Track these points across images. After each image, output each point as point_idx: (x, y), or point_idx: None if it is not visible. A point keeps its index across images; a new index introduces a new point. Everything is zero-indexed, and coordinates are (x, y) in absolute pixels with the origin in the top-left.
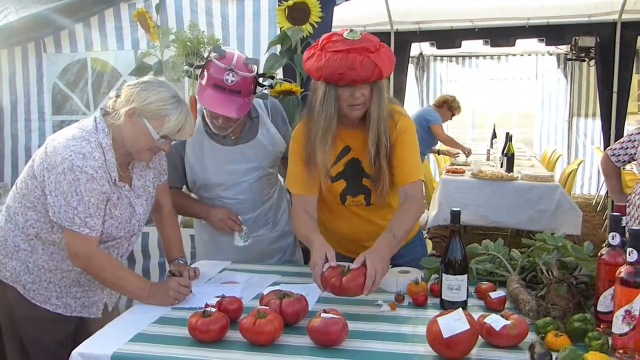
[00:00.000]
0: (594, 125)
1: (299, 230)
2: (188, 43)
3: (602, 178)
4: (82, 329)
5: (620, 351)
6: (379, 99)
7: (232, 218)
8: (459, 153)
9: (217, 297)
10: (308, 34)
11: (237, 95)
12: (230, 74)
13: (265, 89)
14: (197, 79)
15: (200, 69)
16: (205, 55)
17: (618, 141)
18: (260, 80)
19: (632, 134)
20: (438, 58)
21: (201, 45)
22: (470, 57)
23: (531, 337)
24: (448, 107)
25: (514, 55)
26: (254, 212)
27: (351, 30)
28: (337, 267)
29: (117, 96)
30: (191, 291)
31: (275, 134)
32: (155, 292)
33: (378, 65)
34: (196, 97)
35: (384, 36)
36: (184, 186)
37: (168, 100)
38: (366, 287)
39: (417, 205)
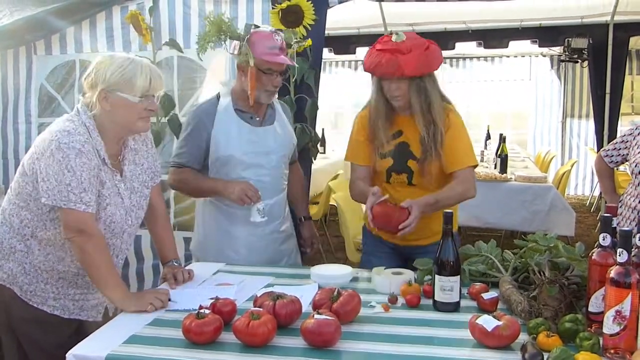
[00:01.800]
0: (588, 126)
1: (355, 192)
2: (223, 26)
3: (596, 179)
4: (82, 330)
5: (612, 351)
6: (418, 94)
7: (252, 189)
8: None
9: (211, 298)
10: (302, 37)
11: (284, 52)
12: (277, 34)
13: (292, 48)
14: (239, 55)
15: (246, 42)
16: (243, 34)
17: (611, 142)
18: None
19: (624, 135)
20: None
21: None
22: (463, 58)
23: (523, 337)
24: None
25: (508, 56)
26: (272, 199)
27: (397, 34)
28: (327, 291)
29: (84, 94)
30: (169, 299)
31: (288, 126)
32: (130, 298)
33: (401, 65)
34: (254, 67)
35: (377, 38)
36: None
37: (124, 64)
38: (403, 225)
39: (466, 185)
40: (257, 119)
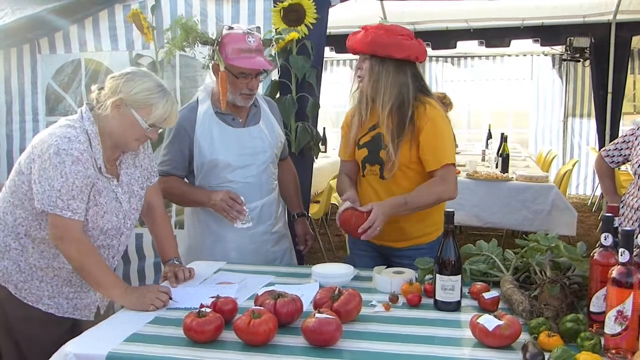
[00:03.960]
0: (589, 126)
1: (338, 187)
2: (193, 28)
3: (597, 178)
4: (77, 328)
5: (613, 351)
6: (370, 77)
7: (233, 197)
8: None
9: (212, 297)
10: (303, 35)
11: (260, 54)
12: (249, 36)
13: (272, 46)
14: (212, 59)
15: (217, 46)
16: (214, 36)
17: (612, 142)
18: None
19: (626, 135)
20: (433, 59)
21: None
22: (465, 57)
23: (524, 337)
24: (440, 104)
25: (509, 55)
26: (261, 200)
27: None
28: (328, 290)
29: (101, 88)
30: (170, 298)
31: (275, 124)
32: (130, 294)
33: (355, 41)
34: (224, 71)
35: None
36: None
37: (154, 89)
38: (362, 228)
39: (445, 185)
40: (240, 120)
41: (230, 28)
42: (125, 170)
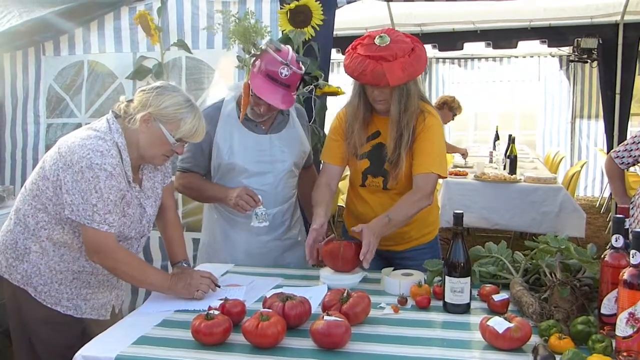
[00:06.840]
0: (597, 127)
1: (314, 199)
2: (251, 31)
3: (606, 180)
4: (89, 330)
5: (624, 354)
6: (399, 100)
7: (250, 194)
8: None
9: (220, 299)
10: (310, 37)
11: (286, 88)
12: (285, 69)
13: (311, 90)
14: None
15: (253, 59)
16: (263, 45)
17: (622, 143)
18: (306, 78)
19: (636, 136)
20: (440, 60)
21: (257, 34)
22: (472, 59)
23: (534, 339)
24: (448, 107)
25: (516, 57)
26: (275, 208)
27: (381, 37)
28: (337, 293)
29: (130, 101)
30: (219, 285)
31: (301, 132)
32: (176, 284)
33: (386, 75)
34: (247, 85)
35: None
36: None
37: (183, 104)
38: (362, 254)
39: (421, 194)
40: (263, 127)
41: (278, 50)
42: (147, 175)
